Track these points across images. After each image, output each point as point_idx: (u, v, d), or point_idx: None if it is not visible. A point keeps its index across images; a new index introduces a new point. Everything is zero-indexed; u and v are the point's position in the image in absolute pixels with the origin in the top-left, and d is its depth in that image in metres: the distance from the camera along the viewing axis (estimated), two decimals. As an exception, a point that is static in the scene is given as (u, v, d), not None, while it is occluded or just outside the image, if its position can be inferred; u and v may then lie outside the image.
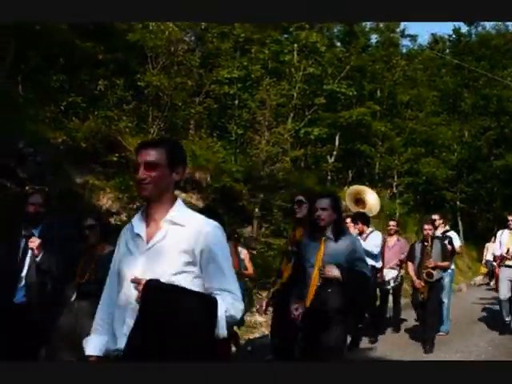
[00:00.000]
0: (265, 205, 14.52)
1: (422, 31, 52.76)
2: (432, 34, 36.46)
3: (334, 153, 21.39)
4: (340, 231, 5.02)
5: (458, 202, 27.29)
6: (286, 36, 20.88)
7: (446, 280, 9.74)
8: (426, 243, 8.70)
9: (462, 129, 27.99)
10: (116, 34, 15.72)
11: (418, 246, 8.94)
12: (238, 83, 17.13)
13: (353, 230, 8.97)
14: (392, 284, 10.13)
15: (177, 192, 10.19)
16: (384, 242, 10.17)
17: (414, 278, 8.73)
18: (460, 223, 26.47)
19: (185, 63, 13.62)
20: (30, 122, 11.15)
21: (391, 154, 23.12)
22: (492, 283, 15.04)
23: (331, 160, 21.18)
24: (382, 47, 26.19)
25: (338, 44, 25.54)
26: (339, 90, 19.93)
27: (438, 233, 9.82)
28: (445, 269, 9.07)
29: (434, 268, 8.50)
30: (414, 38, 32.55)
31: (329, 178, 21.26)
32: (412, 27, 50.29)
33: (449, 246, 9.24)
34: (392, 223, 11.20)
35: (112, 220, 11.10)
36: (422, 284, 8.51)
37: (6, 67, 12.27)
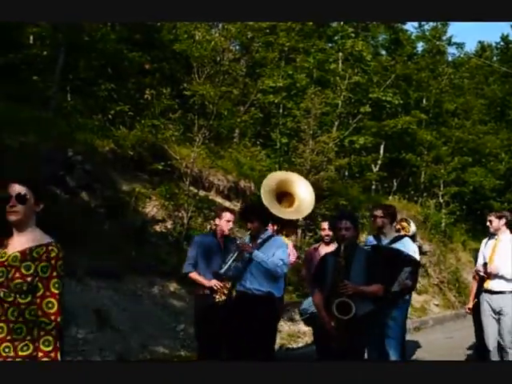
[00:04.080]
0: (309, 214, 14.44)
1: (468, 39, 51.94)
2: (479, 41, 35.91)
3: (379, 162, 21.15)
4: None
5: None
6: (330, 45, 20.85)
7: (396, 316, 6.52)
8: (339, 256, 5.35)
9: (510, 137, 27.26)
10: (162, 44, 15.98)
11: (330, 260, 5.52)
12: (282, 92, 17.16)
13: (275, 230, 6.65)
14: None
15: (221, 200, 10.19)
16: (311, 255, 7.72)
17: (323, 312, 5.37)
18: (508, 234, 25.85)
19: (230, 72, 13.70)
20: (78, 131, 11.38)
21: (437, 163, 22.70)
22: None
23: (376, 169, 20.96)
24: (428, 55, 25.79)
25: (384, 52, 25.33)
26: (385, 99, 19.72)
27: (386, 240, 6.54)
28: (377, 298, 5.41)
29: (351, 296, 5.14)
30: (460, 45, 32.00)
31: (373, 187, 21.05)
32: (459, 35, 49.56)
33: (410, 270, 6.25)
34: (325, 224, 7.72)
35: (157, 227, 11.23)
36: (333, 324, 5.20)
37: (57, 78, 12.56)
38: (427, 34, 26.43)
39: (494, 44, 33.67)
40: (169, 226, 11.34)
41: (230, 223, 6.62)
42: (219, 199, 13.05)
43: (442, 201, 22.39)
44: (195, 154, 12.08)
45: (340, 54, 19.05)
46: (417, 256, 6.76)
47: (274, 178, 7.64)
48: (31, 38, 14.59)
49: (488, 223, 6.93)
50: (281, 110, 17.75)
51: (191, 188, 12.00)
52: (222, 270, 6.13)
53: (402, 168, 22.89)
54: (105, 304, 8.32)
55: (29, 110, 11.02)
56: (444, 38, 27.09)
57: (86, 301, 8.15)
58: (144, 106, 13.73)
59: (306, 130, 14.93)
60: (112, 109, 12.92)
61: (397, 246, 6.45)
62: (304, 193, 7.52)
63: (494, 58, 33.16)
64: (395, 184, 22.39)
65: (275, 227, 7.12)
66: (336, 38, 19.93)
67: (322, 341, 5.68)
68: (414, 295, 15.27)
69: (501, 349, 6.57)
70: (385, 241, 6.52)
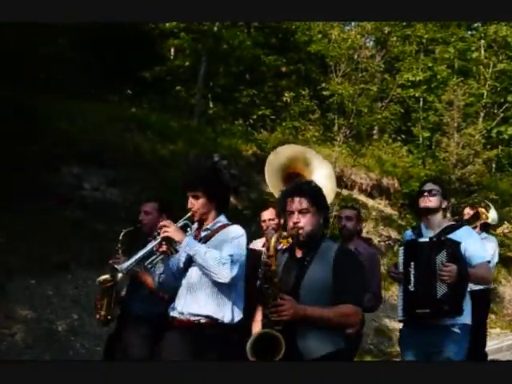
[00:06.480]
0: (457, 209, 13.90)
1: None
2: None
3: (530, 152, 19.98)
4: None
5: None
6: (471, 33, 20.01)
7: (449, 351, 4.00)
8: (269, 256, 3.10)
9: None
10: (297, 46, 16.10)
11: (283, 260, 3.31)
12: (422, 85, 16.72)
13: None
14: None
15: (364, 199, 10.10)
16: None
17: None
18: None
19: (368, 69, 13.51)
20: (222, 137, 11.72)
21: None
22: None
23: (527, 160, 19.83)
24: None
25: (529, 36, 23.86)
26: (533, 85, 18.61)
27: (430, 233, 4.26)
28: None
29: (294, 327, 2.96)
30: None
31: (525, 179, 19.88)
32: None
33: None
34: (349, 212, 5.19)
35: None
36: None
37: (199, 86, 13.03)
38: None
39: None
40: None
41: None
42: (362, 197, 12.90)
43: None
44: (336, 154, 12.03)
45: (482, 41, 18.21)
46: (492, 256, 5.17)
47: (284, 153, 5.32)
48: (172, 50, 15.22)
49: None
50: (421, 104, 17.30)
51: (334, 187, 11.94)
52: (125, 265, 3.67)
53: (556, 158, 21.42)
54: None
55: (175, 118, 11.51)
56: None
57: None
58: (282, 108, 13.89)
59: (450, 122, 14.43)
60: (254, 113, 13.21)
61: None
62: (323, 177, 5.08)
63: None
64: (550, 175, 20.99)
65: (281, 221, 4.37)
66: (476, 24, 19.06)
67: None
68: None
69: None
70: (428, 234, 4.25)
